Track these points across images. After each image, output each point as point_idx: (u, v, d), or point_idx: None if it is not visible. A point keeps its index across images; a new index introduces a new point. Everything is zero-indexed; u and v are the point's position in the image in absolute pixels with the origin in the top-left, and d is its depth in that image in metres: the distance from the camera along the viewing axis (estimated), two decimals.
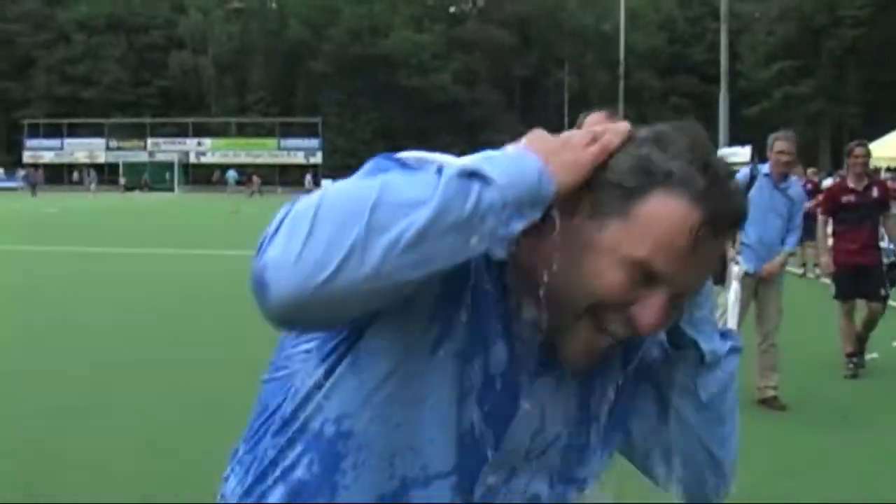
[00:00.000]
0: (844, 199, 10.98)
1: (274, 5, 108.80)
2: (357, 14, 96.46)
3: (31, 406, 8.56)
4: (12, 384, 9.47)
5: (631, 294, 1.48)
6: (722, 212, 1.47)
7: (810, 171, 33.55)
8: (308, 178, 66.86)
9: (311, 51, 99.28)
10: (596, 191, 1.47)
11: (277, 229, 1.32)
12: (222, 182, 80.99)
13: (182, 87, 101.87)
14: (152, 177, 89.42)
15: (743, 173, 9.24)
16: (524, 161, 1.41)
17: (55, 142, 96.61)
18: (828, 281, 12.46)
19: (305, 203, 1.32)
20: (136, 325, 13.15)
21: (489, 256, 1.50)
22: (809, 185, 22.35)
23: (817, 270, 20.65)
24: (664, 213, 1.45)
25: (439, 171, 1.35)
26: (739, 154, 42.34)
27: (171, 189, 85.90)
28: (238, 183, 77.32)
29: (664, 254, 1.46)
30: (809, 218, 21.61)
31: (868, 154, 10.93)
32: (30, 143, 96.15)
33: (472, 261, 1.42)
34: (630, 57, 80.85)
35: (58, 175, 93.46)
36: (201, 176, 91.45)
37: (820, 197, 22.26)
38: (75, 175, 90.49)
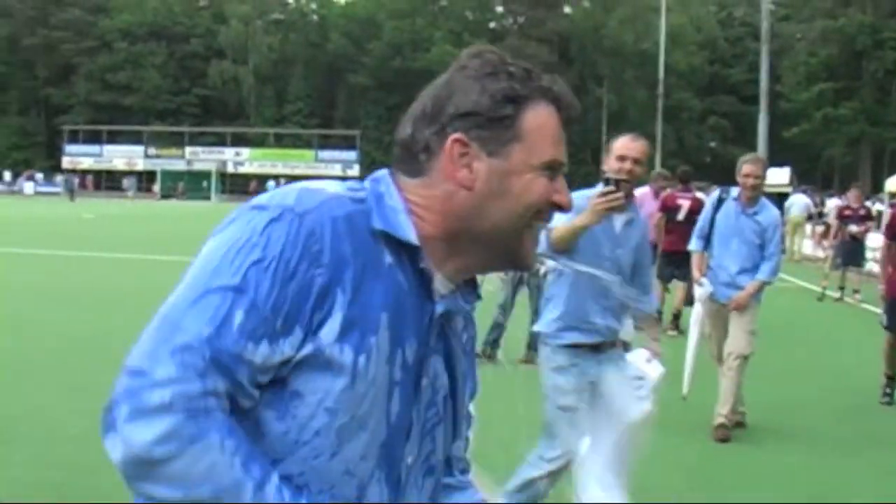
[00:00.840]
0: None
1: (315, 17, 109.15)
2: (398, 28, 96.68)
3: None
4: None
5: (551, 188, 1.79)
6: (563, 96, 1.84)
7: (851, 194, 33.21)
8: (270, 185, 66.77)
9: (351, 63, 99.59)
10: (479, 135, 1.75)
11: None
12: (261, 192, 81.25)
13: (221, 97, 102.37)
14: (189, 185, 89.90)
15: (712, 198, 9.15)
16: None
17: (94, 148, 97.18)
18: (871, 307, 12.21)
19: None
20: None
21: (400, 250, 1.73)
22: (862, 211, 22.16)
23: (857, 296, 20.48)
24: (542, 120, 1.78)
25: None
26: (778, 175, 42.10)
27: (208, 198, 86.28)
28: None
29: (557, 146, 1.80)
30: (853, 242, 21.52)
31: None
32: (69, 148, 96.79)
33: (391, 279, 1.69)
34: (670, 76, 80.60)
35: (96, 181, 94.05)
36: (238, 185, 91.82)
37: (868, 223, 22.15)
38: (124, 182, 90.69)
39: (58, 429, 8.06)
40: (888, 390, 10.34)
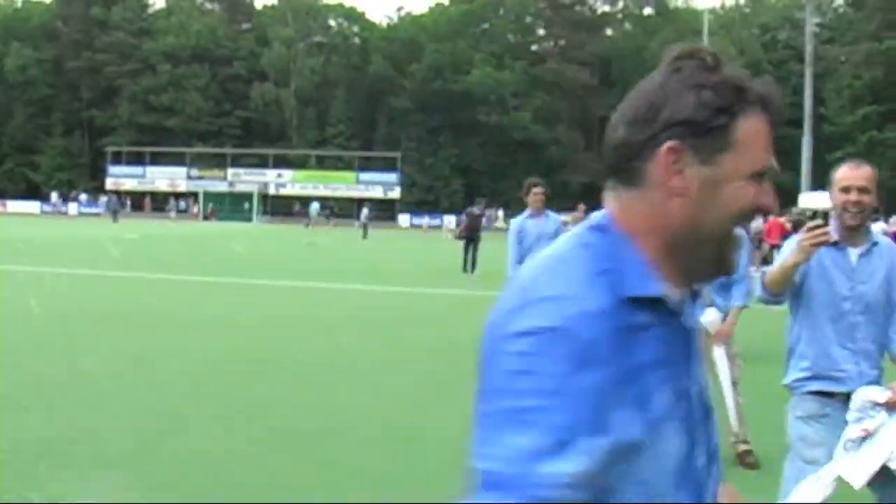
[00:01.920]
0: None
1: (357, 40, 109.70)
2: (439, 51, 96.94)
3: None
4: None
5: (760, 195, 1.79)
6: (774, 101, 1.82)
7: (893, 219, 32.94)
8: (364, 212, 67.18)
9: (392, 86, 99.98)
10: (693, 143, 1.73)
11: None
12: (304, 213, 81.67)
13: (263, 119, 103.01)
14: (231, 206, 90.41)
15: None
16: None
17: (137, 169, 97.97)
18: None
19: None
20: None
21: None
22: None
23: None
24: (755, 128, 1.77)
25: None
26: (823, 200, 41.76)
27: (250, 219, 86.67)
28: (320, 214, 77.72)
29: (768, 152, 1.80)
30: None
31: None
32: (113, 169, 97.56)
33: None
34: None
35: (139, 201, 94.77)
36: (280, 207, 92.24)
37: None
38: (176, 202, 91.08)
39: (111, 450, 8.03)
40: None
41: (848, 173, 5.19)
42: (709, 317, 8.49)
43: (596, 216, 1.81)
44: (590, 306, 1.63)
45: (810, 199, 43.86)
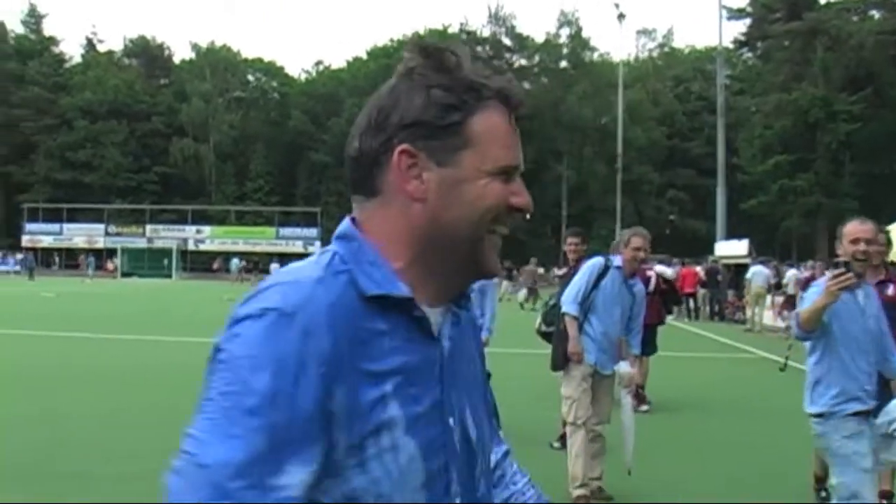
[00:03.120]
0: None
1: (276, 95, 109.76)
2: (359, 105, 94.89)
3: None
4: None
5: (507, 192, 1.76)
6: (512, 94, 1.80)
7: (811, 264, 33.62)
8: (274, 266, 67.27)
9: (312, 140, 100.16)
10: (427, 144, 1.71)
11: None
12: (224, 269, 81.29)
13: (182, 174, 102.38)
14: (150, 262, 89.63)
15: (597, 263, 9.01)
16: None
17: (55, 226, 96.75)
18: None
19: None
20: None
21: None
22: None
23: None
24: (492, 121, 1.74)
25: None
26: (738, 247, 42.48)
27: (170, 275, 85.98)
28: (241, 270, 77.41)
29: (511, 148, 1.78)
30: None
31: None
32: (29, 226, 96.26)
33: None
34: (629, 150, 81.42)
35: (53, 259, 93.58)
36: (199, 263, 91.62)
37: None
38: (87, 258, 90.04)
39: None
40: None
41: (857, 227, 6.24)
42: (623, 368, 8.80)
43: (340, 227, 1.81)
44: (317, 295, 1.60)
45: (725, 248, 44.53)
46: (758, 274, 34.51)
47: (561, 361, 8.93)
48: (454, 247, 1.74)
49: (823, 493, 9.07)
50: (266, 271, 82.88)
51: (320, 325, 1.56)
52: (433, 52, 1.78)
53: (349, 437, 1.58)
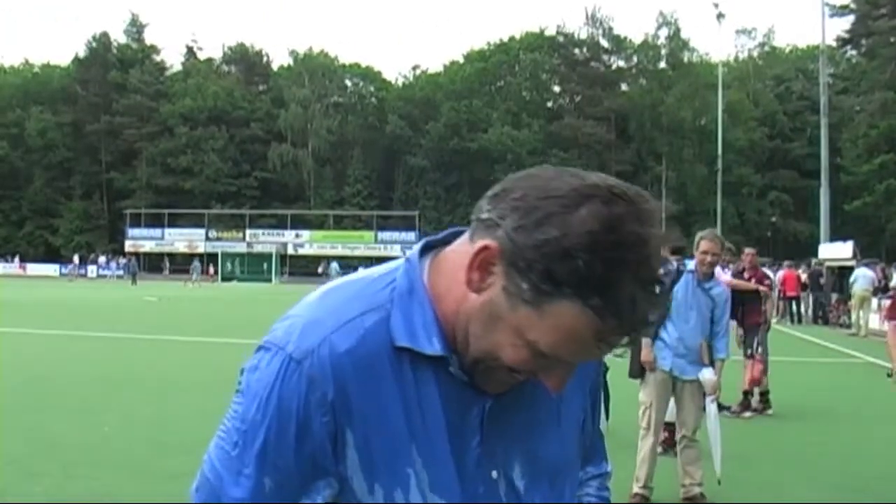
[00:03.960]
0: None
1: (373, 100, 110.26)
2: (456, 109, 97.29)
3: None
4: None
5: (533, 365, 1.54)
6: (631, 323, 1.48)
7: None
8: (334, 265, 67.42)
9: (409, 145, 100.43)
10: (511, 269, 1.48)
11: None
12: (326, 273, 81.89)
13: (281, 179, 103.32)
14: (250, 267, 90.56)
15: (669, 268, 8.71)
16: None
17: (156, 231, 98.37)
18: None
19: None
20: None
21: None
22: None
23: None
24: (571, 320, 1.47)
25: None
26: (841, 249, 41.56)
27: (269, 280, 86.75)
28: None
29: (567, 349, 1.51)
30: None
31: None
32: (132, 232, 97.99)
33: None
34: (728, 152, 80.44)
35: (164, 264, 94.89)
36: (298, 267, 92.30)
37: None
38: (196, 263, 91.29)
39: None
40: None
41: None
42: (706, 375, 8.60)
43: (415, 249, 1.74)
44: (334, 343, 1.59)
45: (829, 250, 43.58)
46: (862, 276, 33.61)
47: (637, 369, 8.81)
48: (469, 344, 1.59)
49: None
50: None
51: (326, 375, 1.56)
52: (630, 201, 1.49)
53: (367, 483, 1.61)
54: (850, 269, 36.60)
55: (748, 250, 15.44)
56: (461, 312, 1.58)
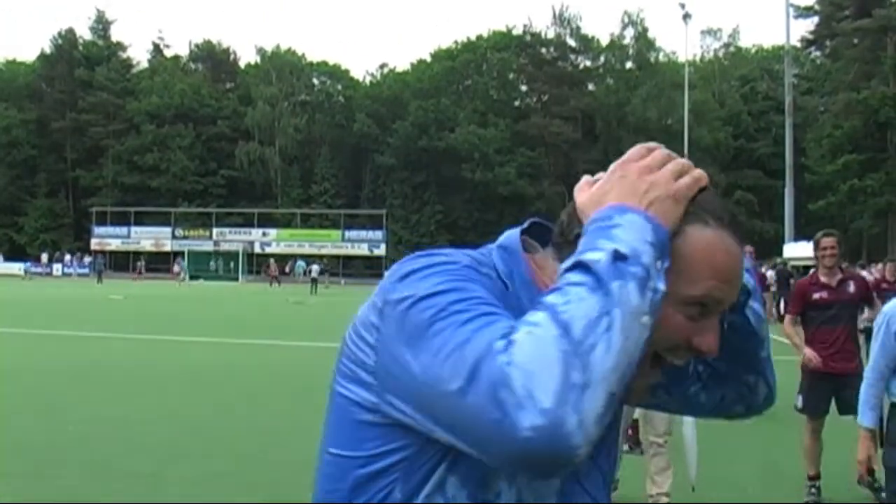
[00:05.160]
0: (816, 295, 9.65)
1: (341, 98, 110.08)
2: (423, 108, 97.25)
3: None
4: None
5: (688, 330, 1.53)
6: (734, 226, 1.57)
7: (888, 267, 32.98)
8: (315, 268, 67.87)
9: (376, 143, 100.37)
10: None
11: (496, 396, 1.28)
12: (292, 272, 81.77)
13: (248, 178, 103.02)
14: (217, 265, 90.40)
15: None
16: (632, 221, 1.42)
17: (122, 229, 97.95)
18: None
19: (510, 361, 1.28)
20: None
21: None
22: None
23: None
24: (708, 243, 1.51)
25: (584, 269, 1.36)
26: (806, 249, 41.87)
27: (236, 279, 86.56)
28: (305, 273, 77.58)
29: (724, 283, 1.52)
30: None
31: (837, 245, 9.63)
32: (98, 230, 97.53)
33: None
34: (694, 151, 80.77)
35: (123, 263, 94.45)
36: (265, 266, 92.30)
37: None
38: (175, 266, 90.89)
39: None
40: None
41: None
42: None
43: (507, 237, 1.70)
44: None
45: (794, 249, 43.93)
46: None
47: None
48: None
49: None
50: (335, 274, 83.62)
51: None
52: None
53: None
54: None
55: (747, 248, 15.29)
56: None
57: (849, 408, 8.56)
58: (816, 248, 9.72)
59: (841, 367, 9.30)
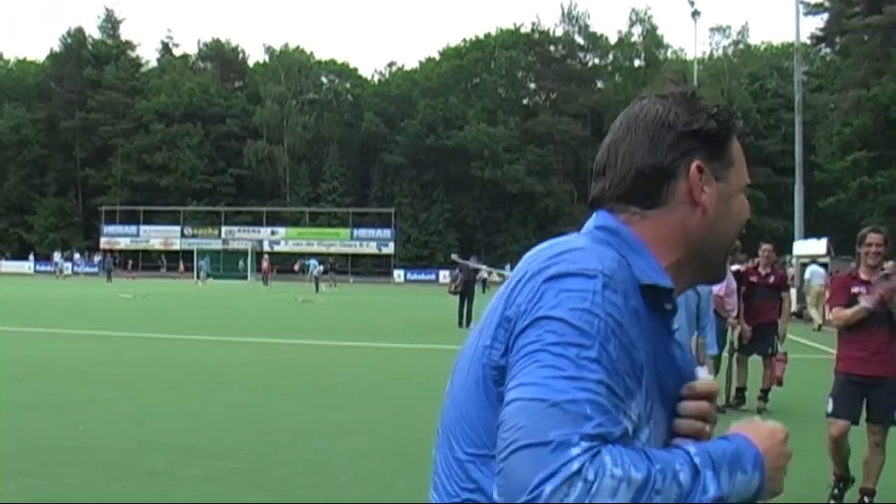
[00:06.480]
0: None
1: (349, 97, 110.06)
2: (432, 106, 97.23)
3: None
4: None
5: (748, 206, 2.02)
6: (742, 129, 2.06)
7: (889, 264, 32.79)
8: (318, 266, 68.02)
9: (385, 142, 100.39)
10: (710, 161, 1.92)
11: None
12: (303, 271, 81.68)
13: (257, 176, 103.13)
14: (226, 264, 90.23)
15: None
16: (748, 481, 1.70)
17: (131, 228, 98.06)
18: None
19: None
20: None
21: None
22: None
23: None
24: (738, 146, 2.02)
25: (692, 470, 1.60)
26: (816, 246, 41.74)
27: (245, 277, 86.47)
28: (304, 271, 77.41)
29: (746, 169, 2.05)
30: None
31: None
32: (107, 229, 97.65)
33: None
34: None
35: (133, 261, 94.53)
36: (274, 264, 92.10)
37: None
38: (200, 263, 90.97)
39: None
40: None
41: None
42: (702, 375, 8.40)
43: (601, 219, 1.94)
44: (623, 264, 1.75)
45: (804, 247, 43.80)
46: (815, 274, 34.45)
47: None
48: (716, 252, 1.98)
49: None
50: (343, 272, 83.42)
51: (630, 289, 1.71)
52: (677, 88, 2.06)
53: (644, 397, 1.70)
54: (826, 265, 36.96)
55: (765, 246, 15.16)
56: (690, 240, 1.91)
57: (880, 415, 8.45)
58: (860, 243, 8.94)
59: (874, 370, 8.64)
